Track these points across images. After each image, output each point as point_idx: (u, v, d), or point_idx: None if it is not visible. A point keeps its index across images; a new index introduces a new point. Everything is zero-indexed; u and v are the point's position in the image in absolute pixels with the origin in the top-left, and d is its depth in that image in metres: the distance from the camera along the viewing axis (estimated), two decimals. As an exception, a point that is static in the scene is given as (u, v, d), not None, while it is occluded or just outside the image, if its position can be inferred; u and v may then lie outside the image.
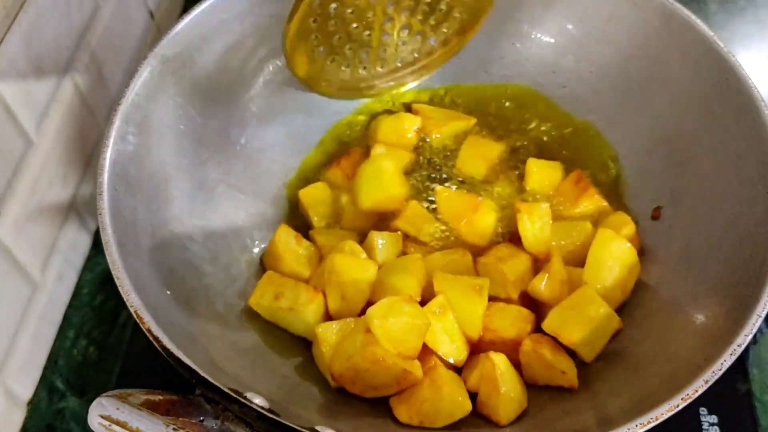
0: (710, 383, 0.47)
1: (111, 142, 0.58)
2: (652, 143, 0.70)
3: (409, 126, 0.74)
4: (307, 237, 0.68)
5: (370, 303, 0.57)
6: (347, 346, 0.56)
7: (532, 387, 0.58)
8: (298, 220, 0.71)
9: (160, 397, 0.44)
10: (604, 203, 0.68)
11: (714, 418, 0.61)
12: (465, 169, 0.72)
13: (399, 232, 0.66)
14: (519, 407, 0.56)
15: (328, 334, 0.57)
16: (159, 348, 0.48)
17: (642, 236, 0.67)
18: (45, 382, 0.67)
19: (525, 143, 0.75)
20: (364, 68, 0.69)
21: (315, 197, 0.71)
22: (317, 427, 0.45)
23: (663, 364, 0.54)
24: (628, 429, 0.46)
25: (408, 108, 0.77)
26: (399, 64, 0.72)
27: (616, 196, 0.70)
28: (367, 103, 0.78)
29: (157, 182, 0.63)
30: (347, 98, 0.74)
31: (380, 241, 0.64)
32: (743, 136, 0.60)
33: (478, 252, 0.65)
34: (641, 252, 0.65)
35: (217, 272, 0.64)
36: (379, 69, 0.71)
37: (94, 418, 0.41)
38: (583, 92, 0.75)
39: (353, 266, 0.61)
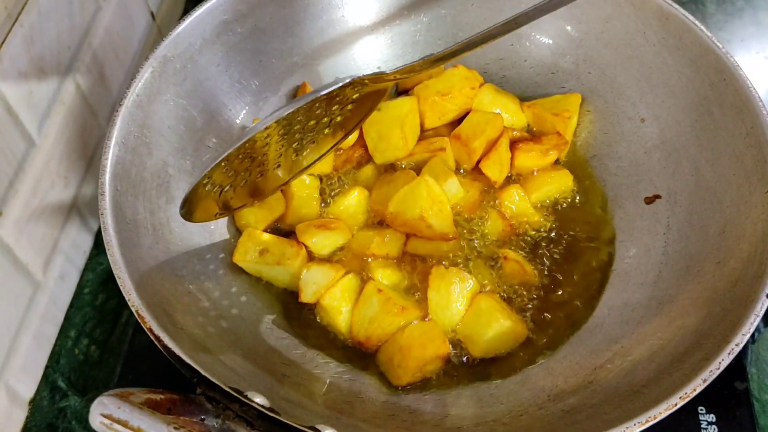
0: (708, 382, 0.48)
1: (112, 142, 0.59)
2: (650, 143, 0.70)
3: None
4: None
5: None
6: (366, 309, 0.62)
7: (534, 391, 0.59)
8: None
9: (161, 396, 0.44)
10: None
11: (712, 417, 0.61)
12: None
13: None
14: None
15: (333, 301, 0.63)
16: (160, 347, 0.48)
17: (640, 235, 0.67)
18: (47, 381, 0.68)
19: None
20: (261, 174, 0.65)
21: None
22: (317, 426, 0.46)
23: (661, 363, 0.54)
24: (627, 428, 0.46)
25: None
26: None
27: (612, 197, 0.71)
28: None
29: (159, 182, 0.63)
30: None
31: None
32: (741, 136, 0.61)
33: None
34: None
35: (218, 272, 0.65)
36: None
37: (95, 417, 0.41)
38: (581, 93, 0.75)
39: None
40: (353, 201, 0.70)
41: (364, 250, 0.67)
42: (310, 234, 0.66)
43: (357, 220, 0.70)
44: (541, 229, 0.70)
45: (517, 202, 0.70)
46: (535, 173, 0.73)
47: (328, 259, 0.67)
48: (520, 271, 0.66)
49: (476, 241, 0.69)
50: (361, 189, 0.71)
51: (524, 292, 0.66)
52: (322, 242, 0.67)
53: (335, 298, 0.63)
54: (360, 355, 0.63)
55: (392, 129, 0.70)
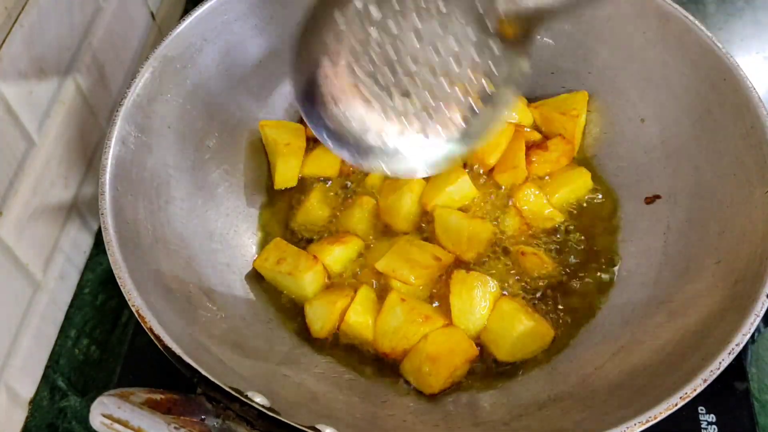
0: (708, 382, 0.48)
1: (113, 142, 0.59)
2: (650, 143, 0.70)
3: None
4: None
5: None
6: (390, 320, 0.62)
7: (534, 392, 0.59)
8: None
9: (162, 396, 0.44)
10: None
11: (712, 417, 0.61)
12: None
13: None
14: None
15: (358, 316, 0.63)
16: (160, 347, 0.48)
17: (640, 235, 0.67)
18: (47, 381, 0.68)
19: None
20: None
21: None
22: (317, 426, 0.46)
23: (661, 363, 0.54)
24: (627, 428, 0.46)
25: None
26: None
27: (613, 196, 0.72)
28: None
29: (159, 182, 0.63)
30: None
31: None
32: (741, 136, 0.60)
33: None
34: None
35: (218, 271, 0.65)
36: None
37: (95, 417, 0.41)
38: (581, 93, 0.76)
39: None
40: (363, 211, 0.70)
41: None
42: (325, 252, 0.66)
43: (368, 229, 0.69)
44: (556, 227, 0.70)
45: (532, 202, 0.70)
46: (547, 178, 0.72)
47: (340, 279, 0.67)
48: (539, 263, 0.66)
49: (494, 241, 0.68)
50: (368, 198, 0.70)
51: (538, 294, 0.66)
52: (337, 258, 0.66)
53: (359, 313, 0.63)
54: (381, 365, 0.63)
55: None
